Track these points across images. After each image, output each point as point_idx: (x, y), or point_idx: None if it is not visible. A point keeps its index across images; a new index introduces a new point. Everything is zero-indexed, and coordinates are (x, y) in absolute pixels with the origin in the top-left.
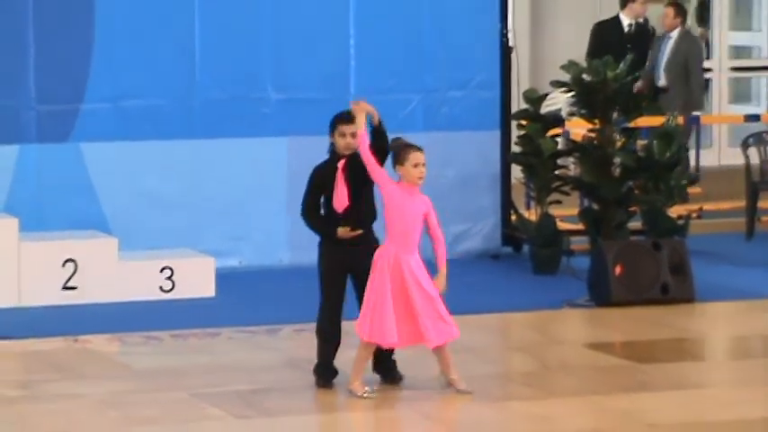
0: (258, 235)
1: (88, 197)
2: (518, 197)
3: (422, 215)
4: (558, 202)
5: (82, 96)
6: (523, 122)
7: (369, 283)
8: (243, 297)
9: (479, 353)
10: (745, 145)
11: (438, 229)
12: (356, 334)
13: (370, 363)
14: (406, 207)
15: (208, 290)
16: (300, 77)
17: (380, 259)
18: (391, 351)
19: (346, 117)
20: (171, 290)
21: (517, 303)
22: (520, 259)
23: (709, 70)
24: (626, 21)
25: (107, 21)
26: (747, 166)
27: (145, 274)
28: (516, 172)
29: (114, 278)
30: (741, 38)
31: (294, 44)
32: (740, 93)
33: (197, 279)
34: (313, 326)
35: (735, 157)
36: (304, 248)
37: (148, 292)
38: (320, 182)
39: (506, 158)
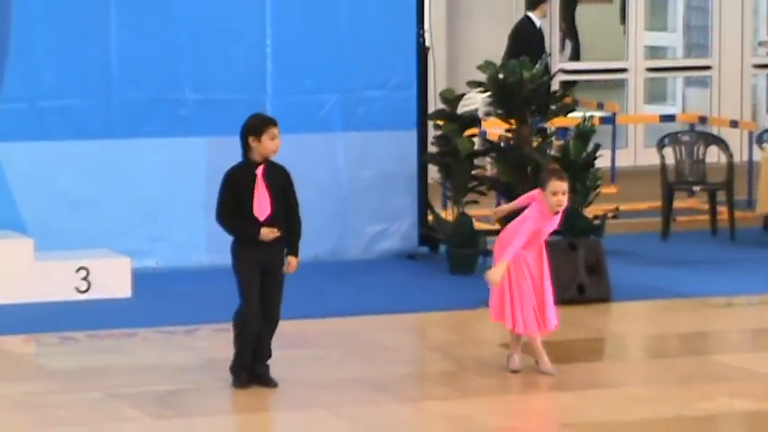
0: (176, 235)
1: (4, 198)
2: (435, 197)
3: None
4: (475, 202)
5: None
6: (440, 122)
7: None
8: (160, 297)
9: (396, 353)
10: (660, 145)
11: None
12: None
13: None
14: (542, 230)
15: (124, 290)
16: (218, 78)
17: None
18: (267, 358)
19: (271, 120)
20: (87, 290)
21: (434, 303)
22: (437, 259)
23: (624, 70)
24: (537, 21)
25: (23, 20)
26: (663, 167)
27: (61, 274)
28: (433, 172)
29: (30, 279)
30: (657, 38)
31: (211, 45)
32: (656, 93)
33: (113, 279)
34: (230, 325)
35: (650, 158)
36: (222, 249)
37: (64, 292)
38: (236, 187)
39: (423, 158)
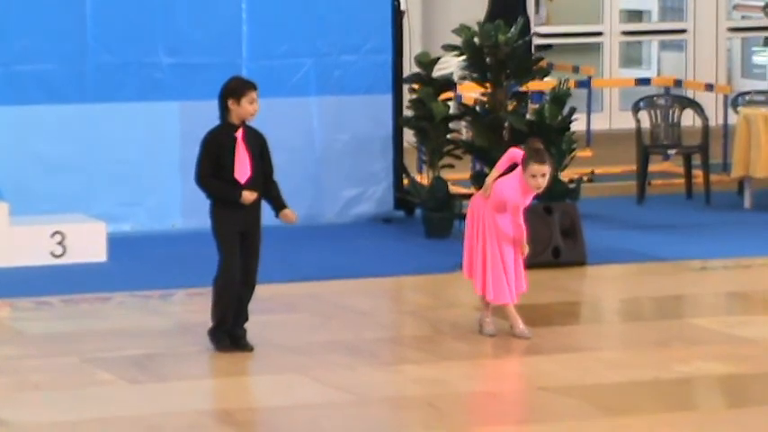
0: (151, 200)
1: None
2: (410, 161)
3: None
4: (451, 166)
5: None
6: (415, 86)
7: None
8: (135, 262)
9: (371, 317)
10: (635, 109)
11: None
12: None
13: None
14: (522, 204)
15: (99, 255)
16: (192, 42)
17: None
18: (244, 321)
19: (251, 83)
20: (62, 255)
21: (409, 267)
22: (412, 223)
23: (600, 34)
24: None
25: None
26: (638, 130)
27: (36, 239)
28: (408, 136)
29: (5, 243)
30: (632, 2)
31: (186, 8)
32: (631, 57)
33: (88, 244)
34: (206, 290)
35: (626, 121)
36: (197, 213)
37: (39, 257)
38: (216, 149)
39: (398, 122)
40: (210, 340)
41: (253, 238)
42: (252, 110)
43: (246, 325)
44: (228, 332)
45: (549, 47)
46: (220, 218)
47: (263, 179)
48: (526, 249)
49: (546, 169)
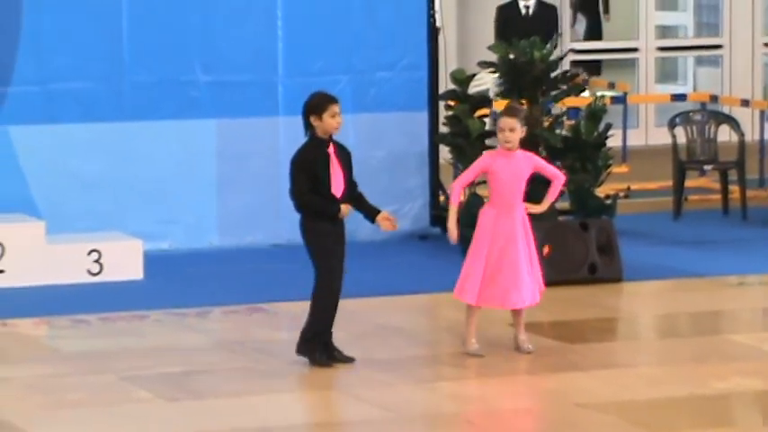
0: (187, 217)
1: (16, 180)
2: (446, 178)
3: (524, 173)
4: (486, 182)
5: (9, 79)
6: (451, 103)
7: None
8: (172, 279)
9: (408, 334)
10: (672, 124)
11: (551, 169)
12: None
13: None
14: (501, 171)
15: (136, 272)
16: (229, 59)
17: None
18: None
19: (332, 98)
20: (99, 273)
21: (446, 284)
22: (448, 240)
23: (635, 50)
24: (522, 2)
25: (35, 3)
26: (674, 146)
27: (72, 257)
28: (444, 152)
29: (42, 261)
30: (667, 17)
31: (222, 26)
32: (667, 72)
33: (125, 262)
34: (243, 308)
35: (662, 137)
36: (233, 231)
37: (76, 275)
38: (312, 166)
39: (434, 139)
40: (304, 355)
41: (342, 252)
42: (335, 123)
43: (283, 342)
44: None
45: (594, 62)
46: (318, 232)
47: (351, 190)
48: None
49: (514, 123)
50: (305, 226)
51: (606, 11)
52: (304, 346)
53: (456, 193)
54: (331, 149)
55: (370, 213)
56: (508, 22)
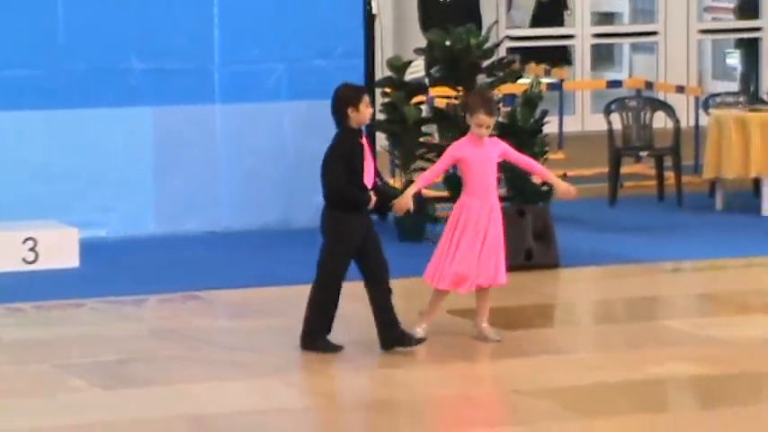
0: (124, 205)
1: None
2: (383, 165)
3: (494, 159)
4: (423, 169)
5: None
6: (387, 90)
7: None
8: (108, 267)
9: (346, 320)
10: (607, 111)
11: (521, 157)
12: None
13: None
14: (473, 160)
15: (72, 261)
16: (165, 47)
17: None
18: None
19: (363, 88)
20: (34, 261)
21: None
22: (385, 227)
23: (571, 37)
24: None
25: None
26: (610, 132)
27: (7, 245)
28: (381, 140)
29: None
30: (603, 4)
31: (158, 14)
32: (602, 59)
33: (61, 250)
34: (179, 295)
35: (598, 124)
36: (170, 218)
37: (11, 263)
38: (350, 158)
39: (371, 126)
40: (319, 349)
41: (375, 237)
42: (369, 113)
43: (223, 329)
44: (391, 335)
45: (523, 50)
46: (348, 224)
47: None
48: (397, 204)
49: (492, 122)
50: (333, 217)
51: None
52: (312, 342)
53: (424, 180)
54: (365, 141)
55: (389, 198)
56: (429, 8)
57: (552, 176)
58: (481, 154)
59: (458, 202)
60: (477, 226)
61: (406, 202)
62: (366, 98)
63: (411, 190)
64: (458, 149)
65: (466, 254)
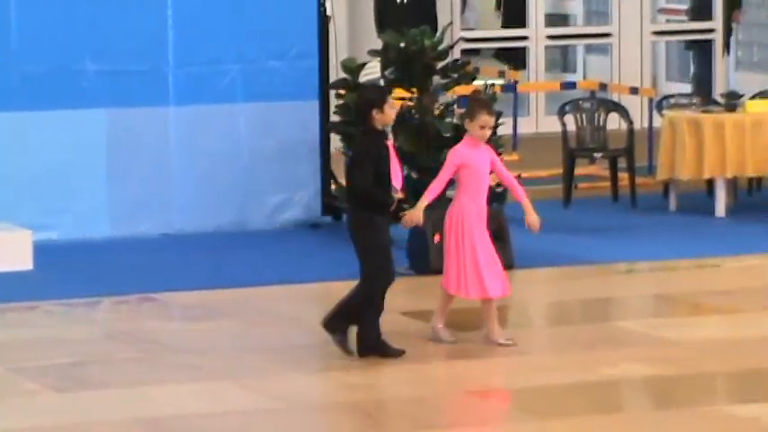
0: (78, 207)
1: None
2: (338, 166)
3: (488, 163)
4: None
5: None
6: (342, 92)
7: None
8: (61, 270)
9: (300, 323)
10: (561, 113)
11: (506, 173)
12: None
13: None
14: (474, 163)
15: (25, 263)
16: (119, 49)
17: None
18: None
19: (387, 89)
20: None
21: (337, 273)
22: (339, 229)
23: (525, 38)
24: None
25: None
26: (564, 134)
27: None
28: (336, 141)
29: None
30: (557, 6)
31: (112, 15)
32: (557, 61)
33: (13, 253)
34: (133, 298)
35: (552, 125)
36: (124, 220)
37: None
38: (377, 159)
39: (325, 128)
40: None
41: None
42: (393, 114)
43: (180, 331)
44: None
45: (476, 51)
46: (378, 226)
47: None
48: (410, 217)
49: (493, 122)
50: (360, 220)
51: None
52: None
53: (433, 192)
54: (390, 143)
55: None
56: (385, 10)
57: (527, 203)
58: (480, 157)
59: (455, 206)
60: (480, 228)
61: (417, 215)
62: (390, 100)
63: (422, 203)
64: (459, 156)
65: (488, 259)
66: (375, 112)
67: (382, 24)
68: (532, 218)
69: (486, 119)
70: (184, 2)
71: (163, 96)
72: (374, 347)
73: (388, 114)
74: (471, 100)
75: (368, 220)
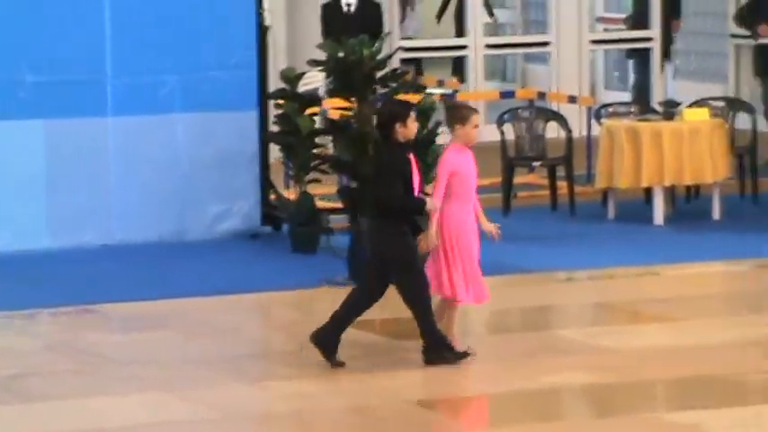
0: (16, 219)
1: None
2: (277, 176)
3: (475, 168)
4: (317, 180)
5: None
6: (281, 102)
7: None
8: (1, 282)
9: (240, 333)
10: (500, 121)
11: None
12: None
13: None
14: (465, 168)
15: None
16: (56, 59)
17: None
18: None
19: (412, 103)
20: None
21: (277, 282)
22: (279, 238)
23: (464, 47)
24: (344, 0)
25: None
26: (503, 143)
27: None
28: (275, 151)
29: None
30: (496, 15)
31: (49, 26)
32: (495, 70)
33: None
34: (73, 309)
35: (491, 134)
36: (63, 231)
37: None
38: (403, 171)
39: (264, 138)
40: (454, 359)
41: None
42: (416, 128)
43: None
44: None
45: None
46: (408, 236)
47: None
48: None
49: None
50: (389, 231)
51: (491, 13)
52: (443, 351)
53: (437, 209)
54: (412, 156)
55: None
56: (332, 20)
57: (480, 213)
58: (468, 163)
59: (447, 213)
60: (475, 235)
61: (433, 240)
62: (413, 114)
63: (432, 227)
64: (450, 164)
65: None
66: (398, 126)
67: (329, 34)
68: (488, 226)
69: (477, 118)
70: (122, 12)
71: (101, 107)
72: (328, 349)
73: (410, 128)
74: (454, 107)
75: (396, 230)
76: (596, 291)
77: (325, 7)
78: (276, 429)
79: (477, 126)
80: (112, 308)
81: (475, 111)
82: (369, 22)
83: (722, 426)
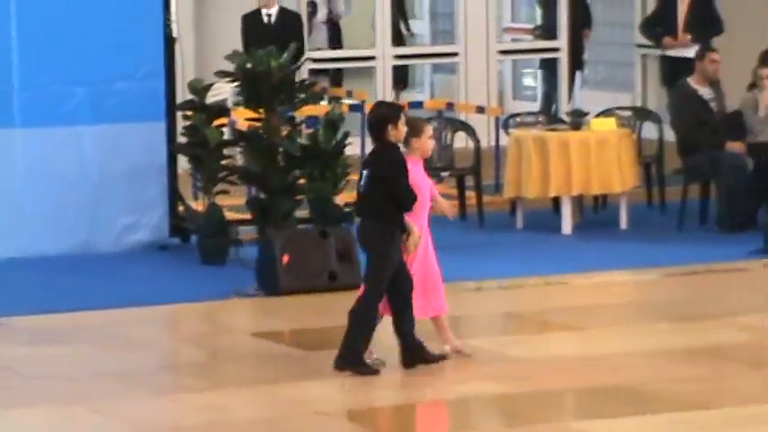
0: None
1: None
2: (185, 188)
3: (428, 181)
4: (226, 192)
5: None
6: (189, 113)
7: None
8: None
9: (149, 345)
10: None
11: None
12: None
13: None
14: (420, 180)
15: None
16: None
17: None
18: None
19: (399, 105)
20: None
21: (186, 294)
22: (188, 250)
23: (372, 58)
24: (264, 11)
25: None
26: None
27: None
28: (183, 162)
29: None
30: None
31: None
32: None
33: None
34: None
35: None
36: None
37: None
38: (406, 169)
39: (172, 149)
40: (364, 372)
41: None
42: (405, 131)
43: (27, 357)
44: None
45: (324, 71)
46: (394, 246)
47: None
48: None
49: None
50: (382, 238)
51: (407, 28)
52: (356, 363)
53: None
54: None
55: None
56: (252, 30)
57: (438, 195)
58: (422, 176)
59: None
60: (430, 247)
61: (416, 238)
62: (403, 116)
63: (416, 230)
64: (411, 175)
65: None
66: (390, 128)
67: (249, 45)
68: (445, 205)
69: (430, 128)
70: (29, 23)
71: (8, 119)
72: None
73: (400, 130)
74: (407, 121)
75: (387, 237)
76: (505, 300)
77: (245, 18)
78: None
79: (431, 137)
80: (20, 321)
81: (427, 122)
82: (289, 32)
83: None
